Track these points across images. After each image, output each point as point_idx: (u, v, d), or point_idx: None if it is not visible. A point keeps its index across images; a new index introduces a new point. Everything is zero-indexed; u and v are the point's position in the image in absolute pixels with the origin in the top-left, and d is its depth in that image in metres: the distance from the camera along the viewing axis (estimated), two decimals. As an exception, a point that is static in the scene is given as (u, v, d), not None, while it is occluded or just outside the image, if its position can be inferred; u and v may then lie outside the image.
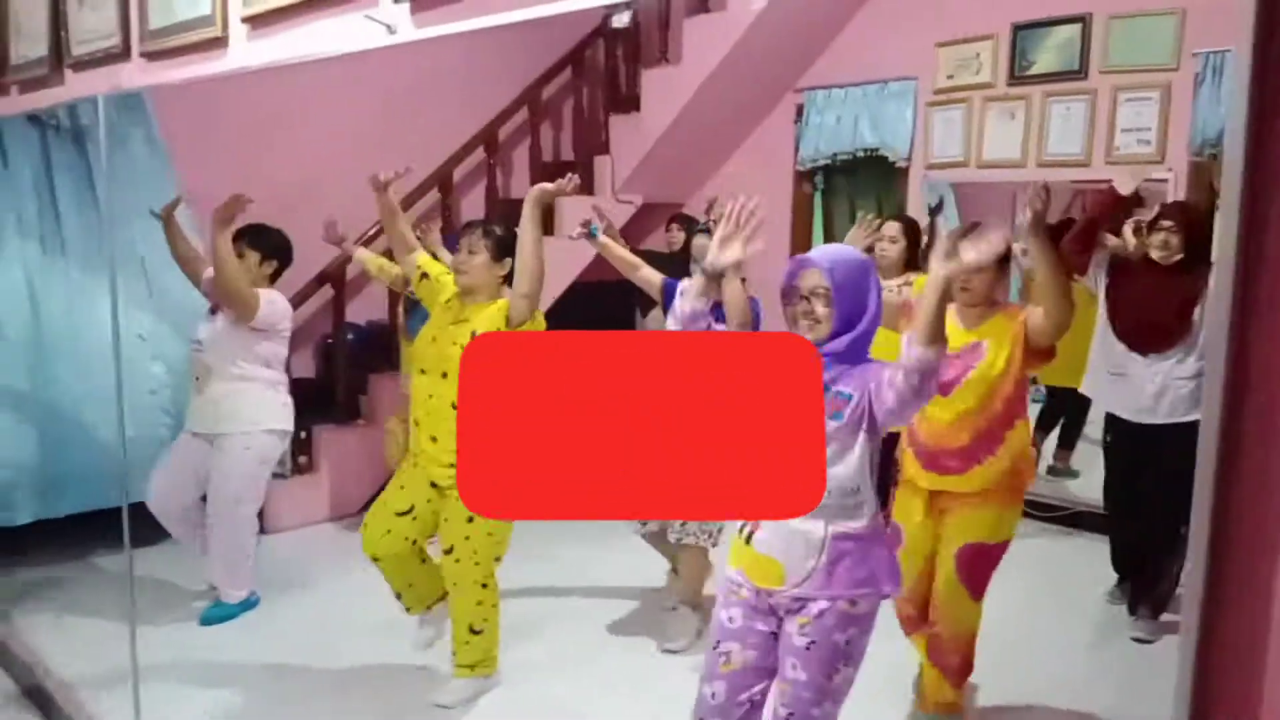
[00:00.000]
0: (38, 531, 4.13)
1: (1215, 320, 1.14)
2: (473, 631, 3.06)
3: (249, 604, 3.80)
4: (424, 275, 3.13)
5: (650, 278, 3.44)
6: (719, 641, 2.10)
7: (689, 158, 5.98)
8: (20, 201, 4.13)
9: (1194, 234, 3.40)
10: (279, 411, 3.69)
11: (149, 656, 2.65)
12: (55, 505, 4.11)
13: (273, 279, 3.73)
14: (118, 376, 2.78)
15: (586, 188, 5.86)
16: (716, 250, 2.04)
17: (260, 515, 4.53)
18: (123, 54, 2.82)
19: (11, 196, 4.12)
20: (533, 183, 5.67)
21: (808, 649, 1.97)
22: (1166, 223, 3.42)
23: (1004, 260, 2.79)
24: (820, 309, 2.01)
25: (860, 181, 5.70)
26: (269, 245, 3.69)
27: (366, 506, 4.94)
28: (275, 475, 4.51)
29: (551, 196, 3.00)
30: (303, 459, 4.71)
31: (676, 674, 3.17)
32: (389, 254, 3.86)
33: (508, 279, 3.01)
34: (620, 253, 3.47)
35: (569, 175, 3.03)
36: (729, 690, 2.07)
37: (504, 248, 3.00)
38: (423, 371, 2.98)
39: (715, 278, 2.07)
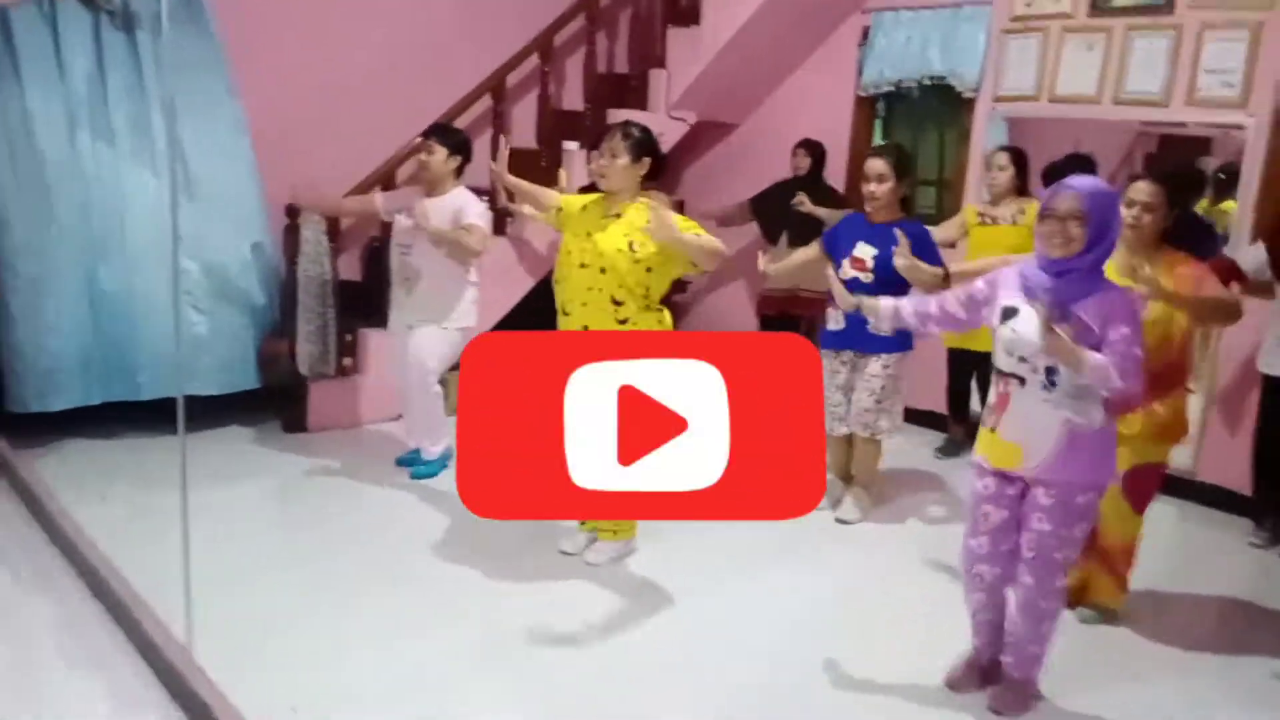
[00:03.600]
0: (79, 418, 4.25)
1: None
2: None
3: (444, 461, 4.23)
4: (559, 210, 3.36)
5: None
6: (979, 504, 2.57)
7: (746, 76, 5.81)
8: (73, 88, 4.09)
9: None
10: (469, 310, 4.12)
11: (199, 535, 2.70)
12: (89, 393, 4.23)
13: (458, 173, 4.03)
14: (174, 274, 2.80)
15: (640, 101, 5.74)
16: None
17: (302, 414, 4.65)
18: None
19: (65, 83, 4.08)
20: (586, 93, 5.60)
21: (1052, 507, 2.43)
22: None
23: (1170, 204, 2.97)
24: (1074, 230, 2.35)
25: (924, 111, 5.52)
26: (455, 142, 4.02)
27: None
28: (320, 375, 4.58)
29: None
30: (347, 361, 4.72)
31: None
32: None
33: (647, 177, 3.22)
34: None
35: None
36: (991, 541, 2.57)
37: (641, 148, 3.18)
38: (583, 265, 3.14)
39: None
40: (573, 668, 2.78)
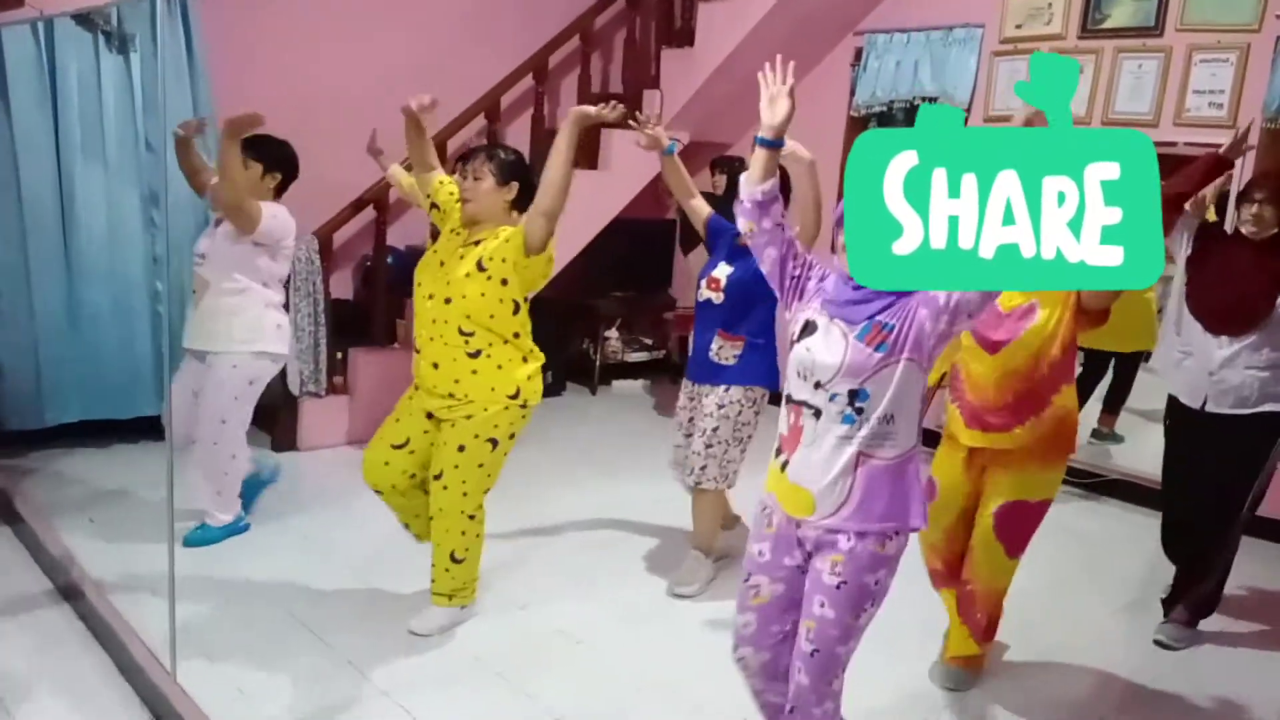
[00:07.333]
0: (63, 433, 4.27)
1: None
2: (454, 560, 3.01)
3: (235, 528, 3.60)
4: (434, 205, 3.05)
5: (699, 208, 3.41)
6: (749, 575, 2.12)
7: (740, 97, 5.79)
8: (63, 108, 4.09)
9: None
10: (272, 334, 3.48)
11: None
12: (70, 411, 4.25)
13: (278, 193, 3.48)
14: (166, 295, 2.78)
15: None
16: (768, 109, 2.04)
17: (292, 433, 4.63)
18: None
19: (56, 102, 4.07)
20: (580, 114, 5.61)
21: (838, 589, 1.97)
22: (1259, 194, 3.12)
23: None
24: None
25: (915, 131, 5.54)
26: (273, 157, 3.43)
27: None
28: (309, 394, 4.57)
29: (591, 120, 2.87)
30: (338, 379, 4.73)
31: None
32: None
33: (515, 204, 2.91)
34: (683, 176, 3.36)
35: (613, 103, 2.90)
36: (760, 621, 2.11)
37: (509, 170, 2.88)
38: (430, 296, 2.87)
39: (775, 146, 2.06)
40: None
